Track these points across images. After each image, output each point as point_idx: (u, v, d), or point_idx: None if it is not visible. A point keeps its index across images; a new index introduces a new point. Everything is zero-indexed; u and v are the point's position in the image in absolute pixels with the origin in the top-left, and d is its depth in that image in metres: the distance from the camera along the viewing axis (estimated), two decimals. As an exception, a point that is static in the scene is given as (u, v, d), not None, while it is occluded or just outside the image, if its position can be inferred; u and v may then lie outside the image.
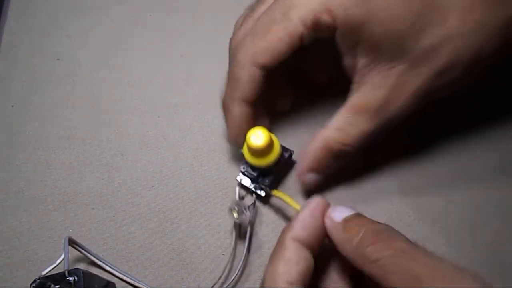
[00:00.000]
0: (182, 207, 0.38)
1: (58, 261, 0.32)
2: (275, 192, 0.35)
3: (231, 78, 0.35)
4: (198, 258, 0.36)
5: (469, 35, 0.31)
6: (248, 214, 0.35)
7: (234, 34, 0.37)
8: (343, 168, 0.39)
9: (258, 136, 0.34)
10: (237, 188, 0.38)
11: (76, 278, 0.30)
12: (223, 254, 0.37)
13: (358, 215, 0.29)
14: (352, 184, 0.39)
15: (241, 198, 0.38)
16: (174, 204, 0.39)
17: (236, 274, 0.35)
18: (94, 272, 0.34)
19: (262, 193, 0.36)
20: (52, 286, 0.30)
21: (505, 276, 0.36)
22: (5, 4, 0.50)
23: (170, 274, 0.36)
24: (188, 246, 0.37)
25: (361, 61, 0.33)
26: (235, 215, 0.35)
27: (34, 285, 0.30)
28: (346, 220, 0.29)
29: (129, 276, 0.35)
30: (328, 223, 0.29)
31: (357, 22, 0.31)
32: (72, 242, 0.33)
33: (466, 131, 0.42)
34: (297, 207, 0.32)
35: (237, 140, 0.36)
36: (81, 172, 0.40)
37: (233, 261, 0.36)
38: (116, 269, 0.35)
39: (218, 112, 0.43)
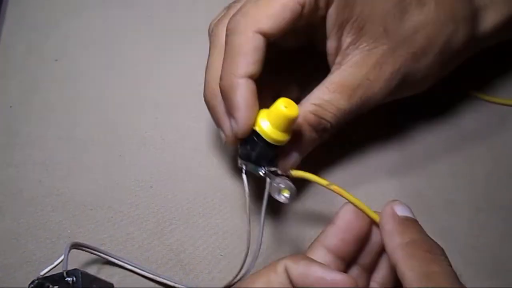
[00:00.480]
0: (180, 207, 0.38)
1: (57, 262, 0.32)
2: (294, 173, 0.33)
3: (231, 51, 0.32)
4: (197, 259, 0.36)
5: (442, 22, 0.34)
6: (294, 189, 0.31)
7: (221, 16, 0.35)
8: (342, 169, 0.40)
9: (291, 104, 0.30)
10: (245, 178, 0.32)
11: (74, 278, 0.30)
12: (221, 255, 0.37)
13: (417, 221, 0.30)
14: (352, 186, 0.39)
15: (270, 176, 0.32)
16: (172, 204, 0.39)
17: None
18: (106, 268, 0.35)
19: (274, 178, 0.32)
20: (51, 286, 0.30)
21: (505, 276, 0.36)
22: (3, 5, 0.50)
23: (169, 274, 0.36)
24: (187, 247, 0.37)
25: (347, 41, 0.33)
26: (287, 194, 0.31)
27: (32, 285, 0.30)
28: (406, 218, 0.29)
29: (149, 271, 0.35)
30: (388, 210, 0.30)
31: None
32: (77, 245, 0.33)
33: (466, 130, 0.42)
34: (325, 183, 0.31)
35: (248, 124, 0.31)
36: (79, 172, 0.40)
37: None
38: (131, 263, 0.36)
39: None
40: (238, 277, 0.34)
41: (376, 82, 0.33)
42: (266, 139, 0.31)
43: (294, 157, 0.34)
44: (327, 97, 0.33)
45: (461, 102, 0.44)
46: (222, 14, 0.36)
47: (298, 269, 0.28)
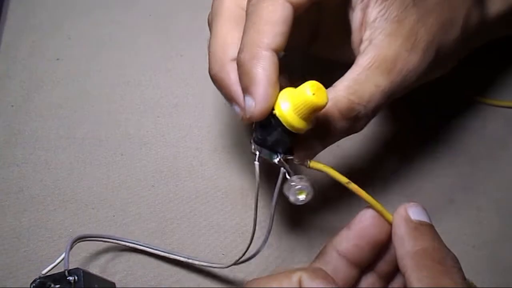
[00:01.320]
0: (181, 206, 0.38)
1: (58, 260, 0.32)
2: (312, 164, 0.29)
3: (256, 20, 0.28)
4: (198, 258, 0.36)
5: None
6: (311, 188, 0.29)
7: None
8: (341, 169, 0.40)
9: (319, 89, 0.26)
10: (257, 165, 0.29)
11: (76, 277, 0.30)
12: (222, 254, 0.37)
13: (432, 226, 0.28)
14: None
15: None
16: (173, 204, 0.39)
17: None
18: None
19: (287, 167, 0.29)
20: (52, 285, 0.30)
21: (505, 276, 0.36)
22: (5, 4, 0.50)
23: (170, 273, 0.36)
24: (188, 246, 0.37)
25: (374, 13, 0.30)
26: (303, 196, 0.28)
27: (34, 284, 0.30)
28: (421, 223, 0.28)
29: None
30: (401, 213, 0.28)
31: None
32: (79, 239, 0.33)
33: (466, 131, 0.42)
34: (344, 180, 0.29)
35: (268, 103, 0.27)
36: (81, 172, 0.40)
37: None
38: (136, 242, 0.36)
39: (218, 112, 0.43)
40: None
41: (413, 54, 0.30)
42: (285, 125, 0.27)
43: (316, 147, 0.30)
44: (363, 75, 0.29)
45: (461, 105, 0.44)
46: None
47: (312, 285, 0.26)
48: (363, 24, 0.31)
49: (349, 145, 0.41)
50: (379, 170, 0.40)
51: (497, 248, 0.37)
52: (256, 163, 0.28)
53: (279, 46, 0.28)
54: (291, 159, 0.29)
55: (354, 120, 0.29)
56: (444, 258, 0.26)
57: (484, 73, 0.45)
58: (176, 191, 0.39)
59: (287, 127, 0.27)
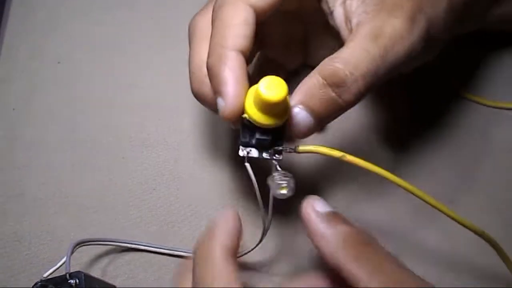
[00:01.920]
0: (183, 210, 0.38)
1: (60, 263, 0.32)
2: (302, 148, 0.29)
3: (219, 24, 0.29)
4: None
5: None
6: (293, 184, 0.29)
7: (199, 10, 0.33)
8: (340, 169, 0.40)
9: (274, 84, 0.26)
10: (248, 166, 0.29)
11: (77, 281, 0.30)
12: (224, 257, 0.37)
13: (339, 214, 0.28)
14: (351, 185, 0.39)
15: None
16: (175, 207, 0.39)
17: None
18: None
19: (280, 157, 0.29)
20: (53, 289, 0.30)
21: (505, 275, 0.36)
22: (6, 7, 0.50)
23: (171, 276, 0.36)
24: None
25: (354, 3, 0.30)
26: (284, 191, 0.28)
27: (35, 287, 0.30)
28: (331, 214, 0.27)
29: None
30: (311, 215, 0.27)
31: None
32: (80, 243, 0.33)
33: (466, 131, 0.42)
34: (338, 154, 0.28)
35: (237, 101, 0.27)
36: (82, 175, 0.40)
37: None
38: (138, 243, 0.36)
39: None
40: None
41: (401, 20, 0.29)
42: (257, 124, 0.27)
43: (307, 122, 0.28)
44: (350, 47, 0.28)
45: (461, 105, 0.44)
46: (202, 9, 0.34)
47: None
48: (347, 17, 0.31)
49: (348, 146, 0.41)
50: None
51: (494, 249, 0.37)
52: (247, 164, 0.29)
53: (243, 47, 0.28)
54: (281, 150, 0.29)
55: (340, 88, 0.28)
56: (368, 237, 0.26)
57: (485, 75, 0.45)
58: (177, 194, 0.39)
59: (259, 125, 0.27)
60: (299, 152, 0.29)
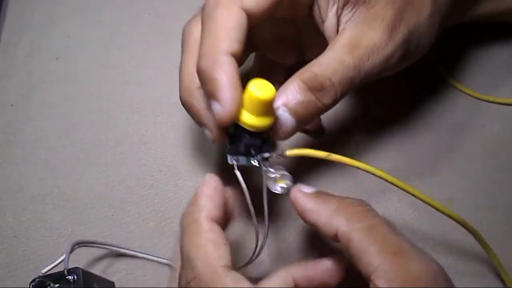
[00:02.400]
0: (181, 206, 0.38)
1: (58, 260, 0.32)
2: (289, 153, 0.29)
3: (213, 27, 0.29)
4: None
5: None
6: (290, 177, 0.30)
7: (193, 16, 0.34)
8: (340, 170, 0.40)
9: (263, 84, 0.28)
10: (239, 174, 0.29)
11: (75, 277, 0.30)
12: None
13: (325, 191, 0.30)
14: (352, 183, 0.39)
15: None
16: (173, 203, 0.39)
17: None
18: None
19: (268, 164, 0.30)
20: (52, 285, 0.30)
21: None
22: (4, 4, 0.50)
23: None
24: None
25: (345, 10, 0.31)
26: (283, 184, 0.29)
27: (33, 284, 0.30)
28: (319, 192, 0.29)
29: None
30: (298, 195, 0.29)
31: None
32: (79, 243, 0.33)
33: (466, 130, 0.42)
34: (323, 154, 0.29)
35: (235, 106, 0.28)
36: (80, 171, 0.40)
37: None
38: (136, 250, 0.36)
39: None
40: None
41: (380, 32, 0.31)
42: (247, 128, 0.28)
43: (290, 123, 0.29)
44: (329, 56, 0.30)
45: (460, 104, 0.44)
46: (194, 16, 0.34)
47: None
48: (337, 27, 0.32)
49: (343, 146, 0.41)
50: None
51: (497, 248, 0.37)
52: (237, 172, 0.29)
53: (236, 52, 0.28)
54: (269, 156, 0.30)
55: (319, 92, 0.29)
56: (359, 202, 0.28)
57: (486, 72, 0.45)
58: (175, 191, 0.39)
59: (250, 129, 0.28)
60: (286, 157, 0.30)
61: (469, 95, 0.44)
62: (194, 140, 0.42)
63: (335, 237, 0.27)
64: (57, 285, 0.30)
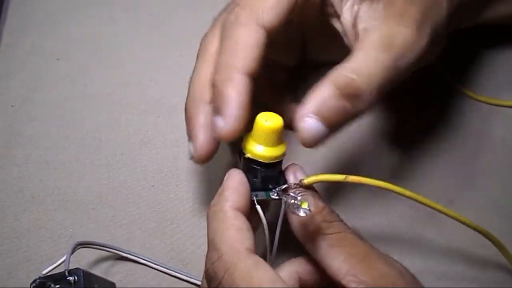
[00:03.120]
0: (182, 207, 0.38)
1: (59, 261, 0.32)
2: (307, 181, 0.29)
3: (231, 44, 0.29)
4: (198, 258, 0.36)
5: None
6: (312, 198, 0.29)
7: (210, 27, 0.34)
8: (340, 170, 0.40)
9: (271, 116, 0.28)
10: (259, 208, 0.29)
11: (76, 278, 0.30)
12: (223, 254, 0.37)
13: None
14: (352, 184, 0.39)
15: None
16: (174, 204, 0.39)
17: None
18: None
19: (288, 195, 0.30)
20: (52, 285, 0.30)
21: (506, 276, 0.36)
22: (5, 4, 0.50)
23: (170, 277, 0.36)
24: (188, 246, 0.37)
25: (362, 9, 0.31)
26: (306, 207, 0.28)
27: (34, 284, 0.30)
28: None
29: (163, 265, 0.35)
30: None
31: None
32: (81, 244, 0.33)
33: (466, 130, 0.42)
34: (341, 177, 0.29)
35: (237, 126, 0.28)
36: (81, 172, 0.40)
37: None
38: (138, 255, 0.36)
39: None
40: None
41: (409, 29, 0.30)
42: (264, 161, 0.29)
43: (320, 130, 0.28)
44: (362, 56, 0.29)
45: (461, 104, 0.44)
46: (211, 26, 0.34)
47: None
48: (354, 22, 0.31)
49: (346, 148, 0.41)
50: (377, 171, 0.40)
51: (497, 248, 0.37)
52: (258, 206, 0.29)
53: (252, 70, 0.28)
54: (287, 187, 0.29)
55: (354, 98, 0.28)
56: (332, 212, 0.29)
57: (485, 73, 0.45)
58: (176, 191, 0.39)
59: (264, 161, 0.29)
60: (306, 185, 0.29)
61: (471, 97, 0.44)
62: (194, 141, 0.42)
63: (305, 242, 0.28)
64: (57, 286, 0.30)
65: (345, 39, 0.32)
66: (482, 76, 0.45)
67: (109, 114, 0.43)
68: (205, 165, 0.40)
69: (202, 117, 0.31)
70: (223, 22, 0.31)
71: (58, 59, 0.46)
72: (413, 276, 0.27)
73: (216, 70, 0.30)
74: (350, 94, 0.28)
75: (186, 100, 0.33)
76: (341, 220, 0.29)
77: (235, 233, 0.27)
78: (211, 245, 0.27)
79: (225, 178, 0.29)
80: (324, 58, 0.37)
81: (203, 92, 0.31)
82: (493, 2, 0.40)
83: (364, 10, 0.31)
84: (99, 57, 0.47)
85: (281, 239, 0.29)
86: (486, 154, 0.41)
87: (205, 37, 0.34)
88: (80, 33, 0.48)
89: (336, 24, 0.33)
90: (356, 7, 0.31)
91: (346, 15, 0.31)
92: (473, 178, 0.40)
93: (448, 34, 0.35)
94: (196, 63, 0.33)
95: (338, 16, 0.32)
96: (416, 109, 0.43)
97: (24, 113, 0.43)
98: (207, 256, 0.28)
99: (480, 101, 0.44)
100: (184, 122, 0.42)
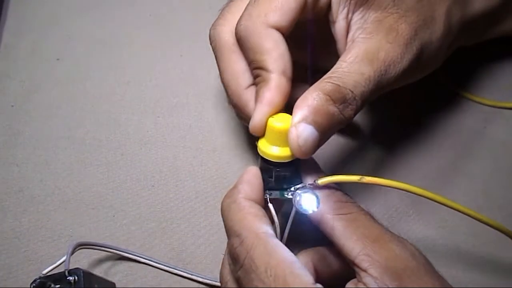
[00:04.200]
0: (182, 206, 0.38)
1: (59, 261, 0.32)
2: (321, 181, 0.29)
3: (253, 53, 0.31)
4: (198, 258, 0.36)
5: None
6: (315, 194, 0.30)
7: (217, 19, 0.34)
8: (340, 171, 0.40)
9: (282, 117, 0.30)
10: (271, 206, 0.30)
11: (76, 278, 0.30)
12: (223, 254, 0.36)
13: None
14: (352, 184, 0.39)
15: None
16: (174, 203, 0.39)
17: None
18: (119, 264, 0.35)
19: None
20: (52, 285, 0.30)
21: (505, 275, 0.36)
22: (5, 4, 0.50)
23: (170, 276, 0.36)
24: (188, 246, 0.37)
25: (355, 18, 0.32)
26: (315, 203, 0.29)
27: (34, 284, 0.30)
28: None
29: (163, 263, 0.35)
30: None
31: None
32: (81, 245, 0.33)
33: (466, 131, 0.42)
34: (356, 178, 0.29)
35: (263, 120, 0.30)
36: (81, 171, 0.40)
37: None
38: (140, 255, 0.36)
39: (218, 112, 0.43)
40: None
41: (395, 46, 0.31)
42: (276, 161, 0.30)
43: (314, 136, 0.29)
44: (347, 67, 0.30)
45: (461, 106, 0.44)
46: (219, 15, 0.35)
47: None
48: (347, 31, 0.32)
49: (348, 149, 0.41)
50: (377, 171, 0.40)
51: (497, 248, 0.37)
52: (270, 205, 0.30)
53: (285, 67, 0.30)
54: (300, 187, 0.30)
55: (343, 104, 0.29)
56: (345, 194, 0.30)
57: (485, 75, 0.45)
58: (176, 191, 0.39)
59: (278, 160, 0.30)
60: (319, 185, 0.29)
61: (470, 99, 0.44)
62: (194, 140, 0.42)
63: (319, 224, 0.29)
64: (57, 286, 0.30)
65: (337, 45, 0.33)
66: (481, 78, 0.45)
67: (108, 114, 0.43)
68: (205, 166, 0.40)
69: (251, 100, 0.32)
70: (237, 27, 0.31)
71: (58, 59, 0.46)
72: (425, 258, 0.27)
73: (240, 21, 0.31)
74: (337, 99, 0.29)
75: (229, 97, 0.34)
76: (354, 202, 0.29)
77: (253, 220, 0.28)
78: (232, 232, 0.28)
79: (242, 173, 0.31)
80: (323, 64, 0.37)
81: (239, 81, 0.32)
82: (500, 20, 0.40)
83: (356, 20, 0.32)
84: (98, 57, 0.47)
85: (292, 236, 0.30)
86: (486, 155, 0.41)
87: (214, 29, 0.34)
88: (80, 33, 0.48)
89: (333, 30, 0.33)
90: (350, 15, 0.32)
91: (341, 23, 0.32)
92: (473, 179, 0.40)
93: (449, 53, 0.36)
94: (217, 59, 0.34)
95: (334, 23, 0.33)
96: (415, 111, 0.43)
97: (24, 113, 0.43)
98: (228, 243, 0.29)
99: (479, 102, 0.44)
100: (184, 122, 0.43)
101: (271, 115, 0.30)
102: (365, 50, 0.31)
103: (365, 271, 0.26)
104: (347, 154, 0.41)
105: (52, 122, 0.42)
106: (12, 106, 0.43)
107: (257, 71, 0.31)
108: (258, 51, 0.30)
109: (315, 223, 0.29)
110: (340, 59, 0.31)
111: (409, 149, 0.41)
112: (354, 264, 0.26)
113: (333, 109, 0.29)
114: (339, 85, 0.29)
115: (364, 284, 0.26)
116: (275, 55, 0.30)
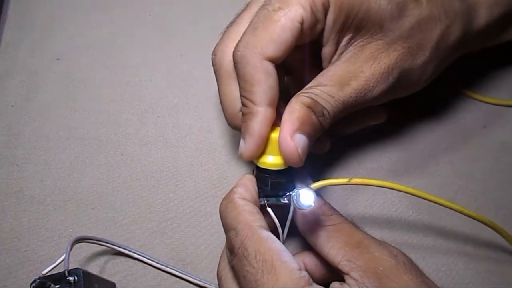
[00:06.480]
0: (181, 206, 0.39)
1: (59, 260, 0.32)
2: (313, 186, 0.31)
3: (245, 82, 0.32)
4: (198, 258, 0.36)
5: (435, 17, 0.34)
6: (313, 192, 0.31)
7: (218, 44, 0.35)
8: (341, 170, 0.40)
9: (277, 128, 0.31)
10: (270, 210, 0.32)
11: (76, 277, 0.30)
12: (223, 254, 0.37)
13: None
14: (352, 186, 0.39)
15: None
16: (174, 203, 0.39)
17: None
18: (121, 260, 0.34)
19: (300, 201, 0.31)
20: (52, 285, 0.30)
21: (506, 276, 0.36)
22: (5, 4, 0.50)
23: (169, 275, 0.36)
24: (188, 246, 0.37)
25: (343, 43, 0.33)
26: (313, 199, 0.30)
27: (34, 284, 0.30)
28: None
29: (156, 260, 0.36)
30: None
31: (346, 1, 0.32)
32: (80, 239, 0.33)
33: (466, 131, 0.42)
34: (344, 180, 0.30)
35: (256, 151, 0.32)
36: (80, 171, 0.40)
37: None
38: (136, 251, 0.36)
39: (218, 112, 0.43)
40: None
41: (372, 75, 0.33)
42: (271, 169, 0.31)
43: (305, 141, 0.31)
44: (320, 88, 0.32)
45: (460, 104, 0.44)
46: (219, 41, 0.35)
47: None
48: (332, 54, 0.34)
49: (346, 149, 0.41)
50: (376, 171, 0.40)
51: (497, 248, 0.37)
52: (269, 208, 0.32)
53: (271, 100, 0.31)
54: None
55: (321, 116, 0.31)
56: (331, 207, 0.32)
57: (486, 73, 0.45)
58: (176, 191, 0.39)
59: (273, 168, 0.31)
60: (314, 190, 0.30)
61: (470, 97, 0.44)
62: (194, 140, 0.42)
63: (306, 236, 0.31)
64: (57, 286, 0.30)
65: (323, 64, 0.34)
66: (482, 76, 0.45)
67: (108, 114, 0.43)
68: (205, 166, 0.40)
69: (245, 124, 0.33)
70: (234, 59, 0.32)
71: (58, 59, 0.46)
72: (407, 258, 0.29)
73: (242, 103, 0.32)
74: (317, 112, 0.31)
75: (227, 120, 0.35)
76: (339, 213, 0.31)
77: (248, 215, 0.30)
78: (229, 226, 0.30)
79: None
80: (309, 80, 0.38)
81: (236, 105, 0.34)
82: (509, 28, 0.40)
83: (343, 44, 0.33)
84: (99, 57, 0.47)
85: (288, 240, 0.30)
86: (486, 153, 0.41)
87: (217, 52, 0.35)
88: (80, 33, 0.48)
89: (322, 52, 0.34)
90: (340, 39, 0.33)
91: (330, 47, 0.33)
92: (473, 178, 0.40)
93: (439, 70, 0.37)
94: (218, 83, 0.35)
95: (324, 46, 0.34)
96: (416, 109, 0.43)
97: (24, 113, 0.43)
98: (226, 238, 0.31)
99: (480, 100, 0.43)
100: (184, 122, 0.43)
101: (259, 145, 0.31)
102: (340, 76, 0.32)
103: (347, 274, 0.28)
104: (346, 154, 0.41)
105: (52, 122, 0.42)
106: (12, 106, 0.43)
107: (245, 100, 0.32)
108: (249, 81, 0.31)
109: (304, 234, 0.31)
110: (317, 76, 0.33)
111: (408, 147, 0.41)
112: (338, 269, 0.29)
113: (315, 119, 0.31)
114: (316, 100, 0.31)
115: (348, 284, 0.28)
116: (265, 87, 0.31)
